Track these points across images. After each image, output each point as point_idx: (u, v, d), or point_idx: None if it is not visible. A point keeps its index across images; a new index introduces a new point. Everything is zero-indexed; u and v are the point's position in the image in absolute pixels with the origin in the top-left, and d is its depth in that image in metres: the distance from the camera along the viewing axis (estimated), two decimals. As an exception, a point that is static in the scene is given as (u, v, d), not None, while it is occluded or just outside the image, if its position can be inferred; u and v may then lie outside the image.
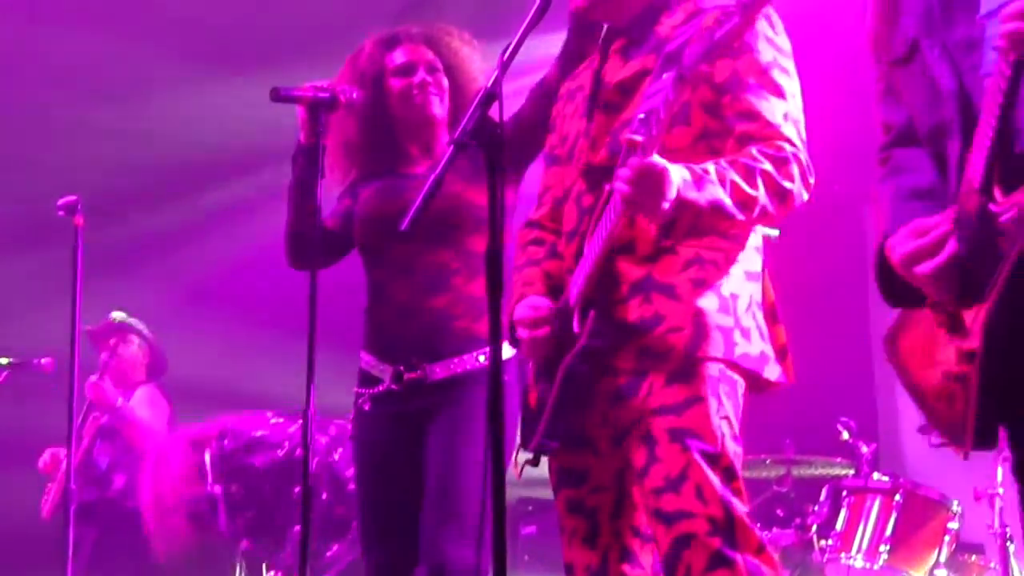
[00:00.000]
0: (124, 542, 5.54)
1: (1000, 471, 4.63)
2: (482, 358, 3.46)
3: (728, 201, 2.53)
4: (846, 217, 6.76)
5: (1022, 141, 2.06)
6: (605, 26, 2.92)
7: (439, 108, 3.65)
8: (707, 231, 2.64)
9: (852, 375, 6.86)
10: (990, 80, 2.06)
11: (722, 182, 2.54)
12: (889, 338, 2.35)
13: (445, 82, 3.68)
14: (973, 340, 2.06)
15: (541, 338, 2.75)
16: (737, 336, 2.66)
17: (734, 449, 2.60)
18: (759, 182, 2.56)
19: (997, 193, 2.04)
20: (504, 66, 2.45)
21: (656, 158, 2.43)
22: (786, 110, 2.68)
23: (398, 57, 3.61)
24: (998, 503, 4.67)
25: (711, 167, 2.56)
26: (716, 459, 2.57)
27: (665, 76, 2.51)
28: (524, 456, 2.77)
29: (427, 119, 3.63)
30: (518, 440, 3.25)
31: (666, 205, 2.43)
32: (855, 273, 6.70)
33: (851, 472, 5.25)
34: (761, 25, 2.68)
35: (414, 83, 3.60)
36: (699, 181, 2.50)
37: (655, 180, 2.41)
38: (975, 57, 2.18)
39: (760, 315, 2.74)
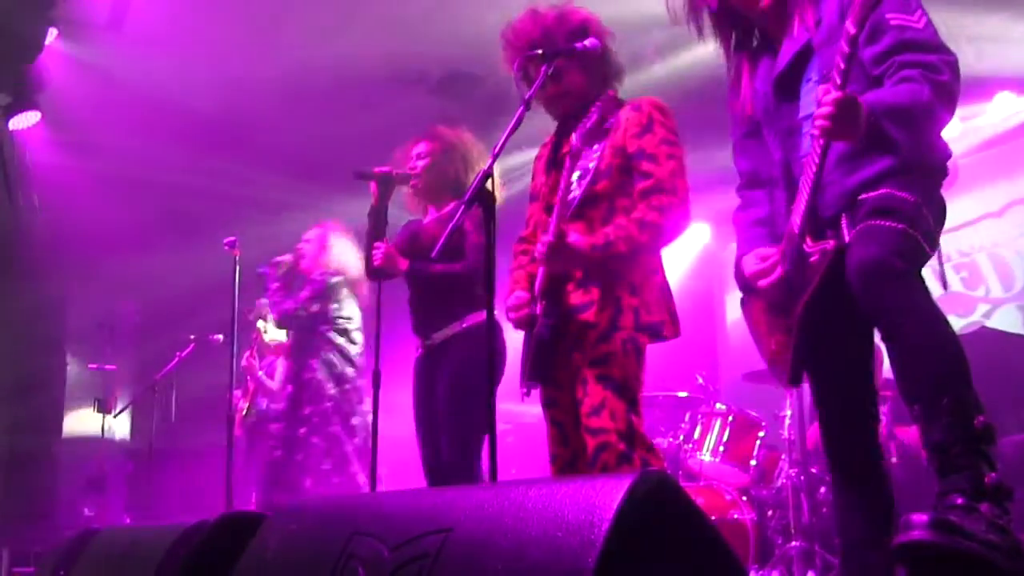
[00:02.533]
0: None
1: (787, 403, 5.66)
2: (461, 323, 4.20)
3: (623, 249, 3.05)
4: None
5: (823, 209, 2.54)
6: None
7: (419, 182, 4.44)
8: (615, 266, 3.10)
9: (706, 346, 8.42)
10: (807, 160, 2.47)
11: (617, 240, 3.04)
12: (743, 303, 2.91)
13: (423, 162, 4.46)
14: (793, 321, 2.58)
15: (521, 318, 3.27)
16: (643, 311, 3.10)
17: (636, 386, 3.06)
18: (648, 232, 3.07)
19: (808, 239, 2.53)
20: (495, 156, 3.01)
21: (572, 237, 3.03)
22: (673, 169, 3.14)
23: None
24: (786, 421, 5.68)
25: (611, 231, 3.07)
26: (624, 392, 3.01)
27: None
28: (523, 388, 3.27)
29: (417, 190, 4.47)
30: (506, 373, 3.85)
31: (578, 268, 3.09)
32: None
33: (703, 402, 6.27)
34: (656, 114, 3.21)
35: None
36: (605, 247, 3.05)
37: (568, 253, 3.05)
38: (794, 141, 2.72)
39: (660, 295, 3.18)
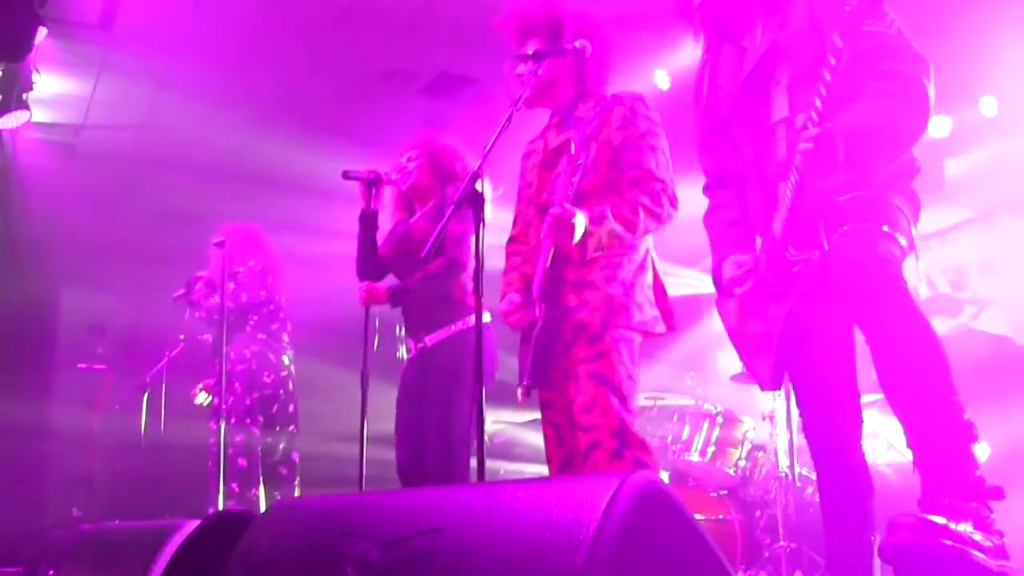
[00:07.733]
0: None
1: (773, 402, 5.63)
2: (453, 327, 4.21)
3: (618, 227, 3.09)
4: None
5: (802, 211, 2.57)
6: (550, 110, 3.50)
7: (404, 184, 4.49)
8: (609, 246, 3.12)
9: (696, 348, 8.30)
10: (789, 167, 2.51)
11: (614, 217, 3.10)
12: (719, 303, 2.99)
13: (413, 165, 4.51)
14: (772, 327, 2.69)
15: (515, 320, 3.28)
16: (634, 310, 3.13)
17: (629, 384, 3.07)
18: (640, 212, 3.11)
19: (791, 248, 2.59)
20: (485, 156, 3.04)
21: (567, 208, 3.04)
22: (657, 160, 3.19)
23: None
24: (774, 422, 5.64)
25: (608, 208, 3.11)
26: (616, 390, 3.03)
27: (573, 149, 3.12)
28: (521, 389, 3.20)
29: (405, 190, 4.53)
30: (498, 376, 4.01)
31: (574, 239, 3.04)
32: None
33: (692, 403, 6.34)
34: (639, 107, 3.25)
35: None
36: (599, 219, 3.09)
37: (565, 224, 3.06)
38: (767, 143, 2.75)
39: (651, 292, 3.22)
